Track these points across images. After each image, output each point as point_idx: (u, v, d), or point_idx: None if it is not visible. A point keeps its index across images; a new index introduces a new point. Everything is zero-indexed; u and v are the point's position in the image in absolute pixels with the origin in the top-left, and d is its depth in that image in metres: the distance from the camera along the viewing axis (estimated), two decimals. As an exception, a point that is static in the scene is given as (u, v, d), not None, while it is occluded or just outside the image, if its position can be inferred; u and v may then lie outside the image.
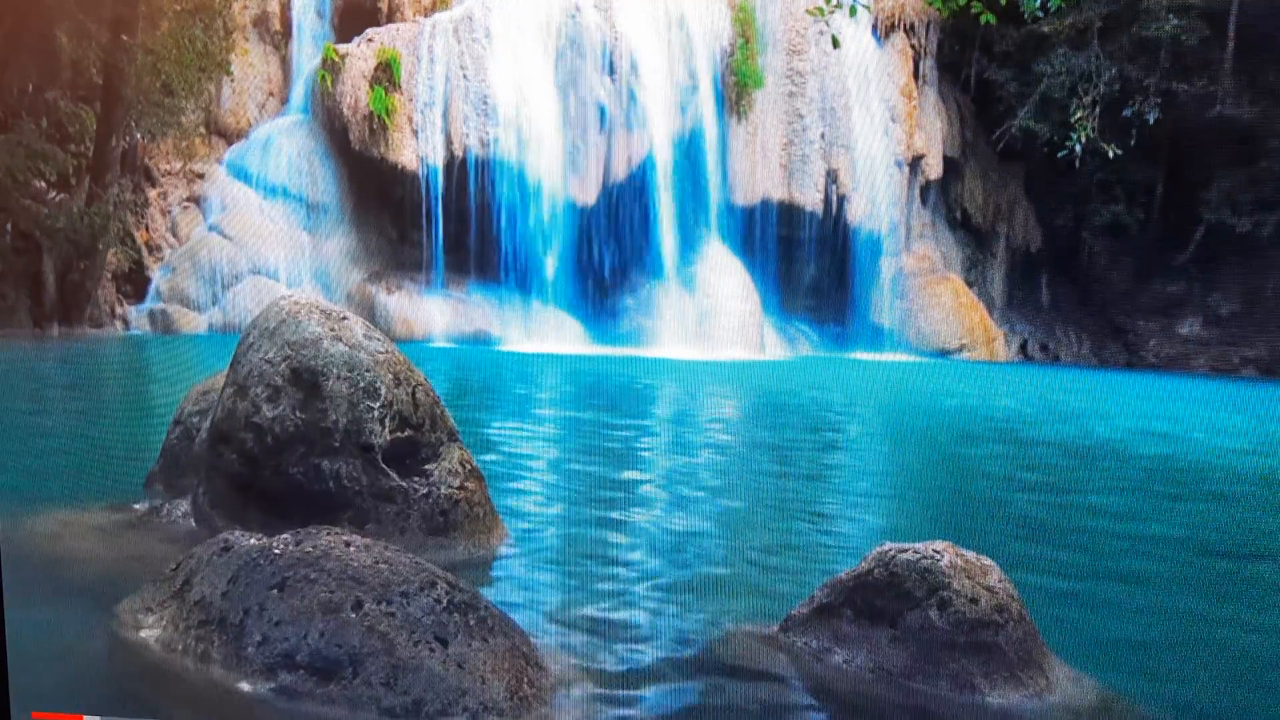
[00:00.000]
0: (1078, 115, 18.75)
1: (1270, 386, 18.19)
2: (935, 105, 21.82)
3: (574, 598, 3.84)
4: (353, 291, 17.62)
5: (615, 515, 5.34)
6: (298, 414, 3.97)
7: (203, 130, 17.65)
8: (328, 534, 3.15)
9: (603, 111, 18.41)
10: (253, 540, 3.17)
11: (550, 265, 18.14)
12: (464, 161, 17.62)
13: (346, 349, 4.07)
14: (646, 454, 7.75)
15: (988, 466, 8.12)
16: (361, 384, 4.02)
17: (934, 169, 21.73)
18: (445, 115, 17.71)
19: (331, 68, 17.79)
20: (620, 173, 18.57)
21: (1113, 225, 20.71)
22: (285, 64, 18.96)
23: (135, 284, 16.38)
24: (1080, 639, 3.64)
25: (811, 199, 20.02)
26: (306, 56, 18.73)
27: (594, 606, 3.75)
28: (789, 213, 20.01)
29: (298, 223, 17.58)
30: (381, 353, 4.16)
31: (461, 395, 10.51)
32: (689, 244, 19.12)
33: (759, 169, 19.81)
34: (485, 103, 17.68)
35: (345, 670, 2.72)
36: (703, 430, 9.83)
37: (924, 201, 22.05)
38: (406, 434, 4.11)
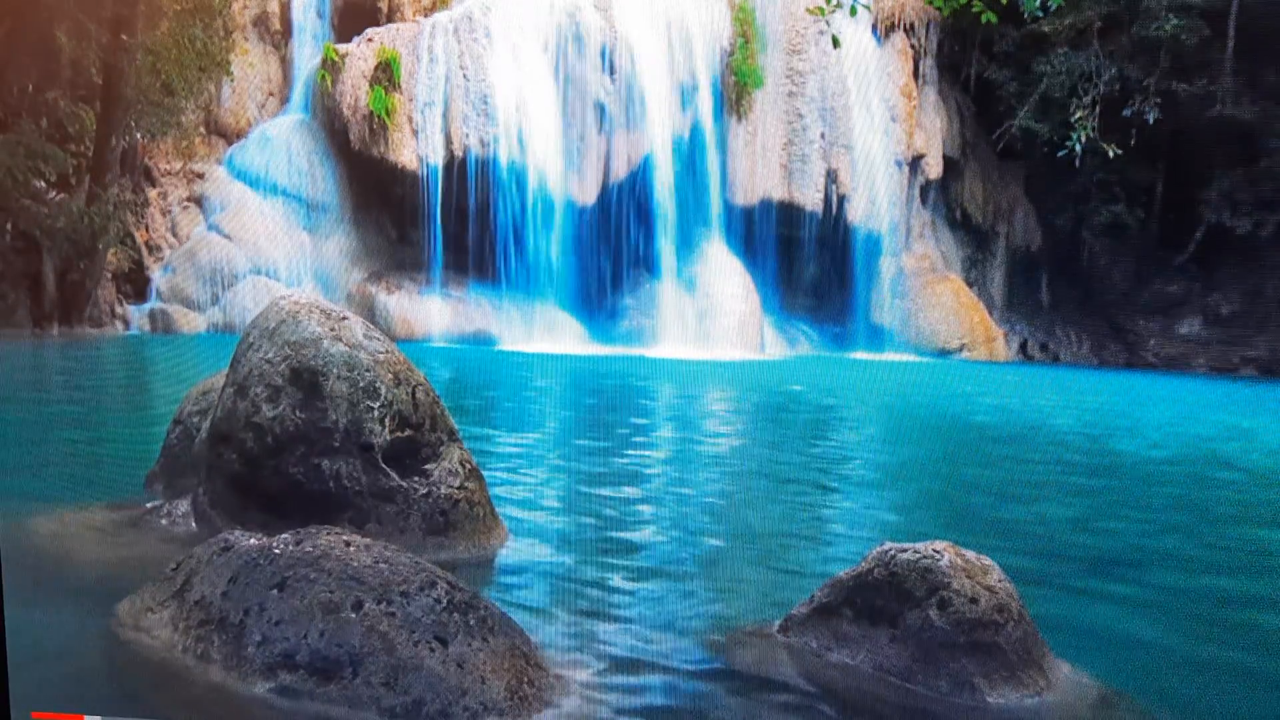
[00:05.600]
0: (1078, 115, 18.74)
1: (1270, 386, 18.19)
2: (935, 105, 21.82)
3: (574, 597, 3.85)
4: (353, 291, 17.62)
5: (615, 515, 5.34)
6: (298, 414, 3.97)
7: (203, 130, 17.65)
8: (328, 534, 3.16)
9: (603, 111, 18.41)
10: (253, 540, 3.17)
11: (550, 265, 18.14)
12: (464, 161, 17.62)
13: (346, 349, 4.07)
14: (646, 454, 7.75)
15: (988, 465, 8.12)
16: (361, 384, 4.02)
17: (934, 169, 21.73)
18: (445, 115, 17.70)
19: (331, 68, 17.79)
20: (620, 172, 18.57)
21: (1113, 225, 20.70)
22: (285, 64, 18.96)
23: (135, 284, 16.38)
24: (1080, 637, 3.64)
25: (811, 199, 20.02)
26: (306, 56, 18.73)
27: (594, 606, 3.75)
28: (789, 212, 20.01)
29: (298, 222, 17.59)
30: (381, 352, 4.16)
31: (462, 395, 10.51)
32: (689, 244, 19.12)
33: (759, 169, 19.80)
34: (485, 103, 17.68)
35: (345, 670, 2.72)
36: (703, 430, 9.83)
37: (924, 201, 22.05)
38: (406, 434, 4.11)
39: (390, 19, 18.82)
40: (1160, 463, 8.80)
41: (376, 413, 4.02)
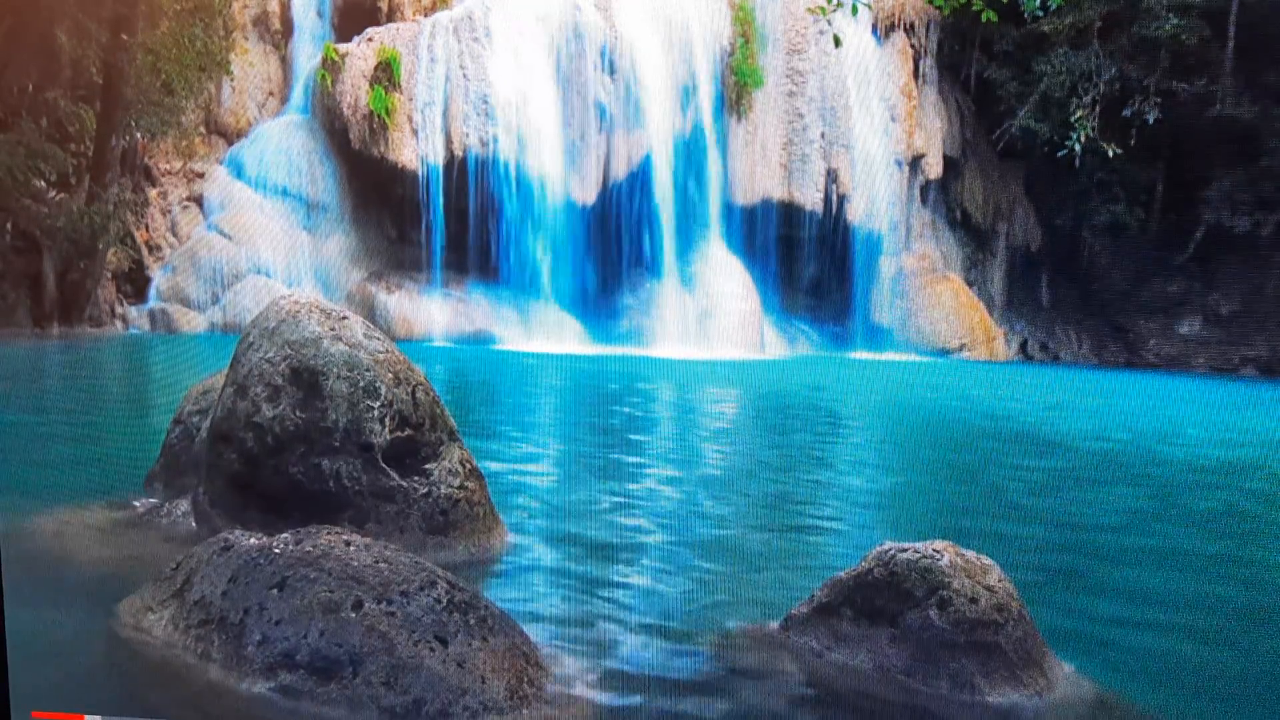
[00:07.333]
0: (1078, 115, 18.74)
1: (1270, 386, 18.19)
2: (935, 104, 21.81)
3: (574, 597, 3.84)
4: (353, 291, 17.61)
5: (615, 514, 5.34)
6: (298, 413, 3.97)
7: (203, 130, 17.65)
8: (327, 533, 3.16)
9: (603, 111, 18.40)
10: (253, 540, 3.17)
11: (550, 265, 18.13)
12: (464, 161, 17.62)
13: (346, 348, 4.07)
14: (647, 453, 7.75)
15: (988, 466, 8.12)
16: (361, 383, 4.02)
17: (934, 168, 21.71)
18: (445, 115, 17.70)
19: (331, 67, 17.78)
20: (620, 172, 18.57)
21: (1113, 225, 20.69)
22: (285, 63, 18.95)
23: (135, 284, 16.37)
24: (1080, 638, 3.63)
25: (811, 198, 20.02)
26: (306, 56, 18.72)
27: (594, 605, 3.75)
28: (789, 212, 20.00)
29: (298, 222, 17.58)
30: (381, 352, 4.16)
31: (462, 395, 10.51)
32: (689, 243, 19.12)
33: (759, 168, 19.80)
34: (485, 102, 17.68)
35: (345, 670, 2.72)
36: (703, 430, 9.82)
37: (924, 201, 22.04)
38: (406, 433, 4.11)
39: (390, 19, 18.81)
40: (1165, 463, 8.80)
41: (376, 412, 4.01)
